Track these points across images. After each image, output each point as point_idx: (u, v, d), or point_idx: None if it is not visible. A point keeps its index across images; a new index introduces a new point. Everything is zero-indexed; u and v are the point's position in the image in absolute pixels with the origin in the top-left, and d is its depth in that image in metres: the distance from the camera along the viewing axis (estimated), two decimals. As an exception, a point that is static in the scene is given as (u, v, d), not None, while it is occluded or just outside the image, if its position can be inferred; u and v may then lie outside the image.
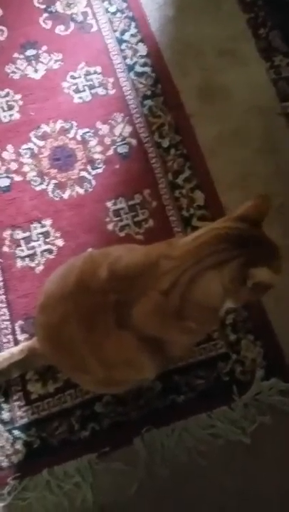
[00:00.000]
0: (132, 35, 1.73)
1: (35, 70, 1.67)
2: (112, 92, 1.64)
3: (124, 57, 1.69)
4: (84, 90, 1.64)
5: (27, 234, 1.47)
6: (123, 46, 1.71)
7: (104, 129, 1.59)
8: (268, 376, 1.32)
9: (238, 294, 0.91)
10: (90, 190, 1.53)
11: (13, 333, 1.36)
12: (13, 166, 1.55)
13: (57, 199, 1.51)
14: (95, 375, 1.04)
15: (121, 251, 1.04)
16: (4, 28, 1.74)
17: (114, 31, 1.73)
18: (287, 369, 1.34)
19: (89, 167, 1.55)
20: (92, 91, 1.64)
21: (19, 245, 1.45)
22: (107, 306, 0.94)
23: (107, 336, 0.95)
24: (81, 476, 1.24)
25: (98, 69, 1.67)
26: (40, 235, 1.47)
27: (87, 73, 1.67)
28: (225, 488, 1.25)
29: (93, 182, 1.53)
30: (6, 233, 1.47)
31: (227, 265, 0.88)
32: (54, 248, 1.45)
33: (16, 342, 1.35)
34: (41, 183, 1.52)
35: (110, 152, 1.57)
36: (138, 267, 0.96)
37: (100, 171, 1.55)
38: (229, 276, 0.88)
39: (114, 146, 1.57)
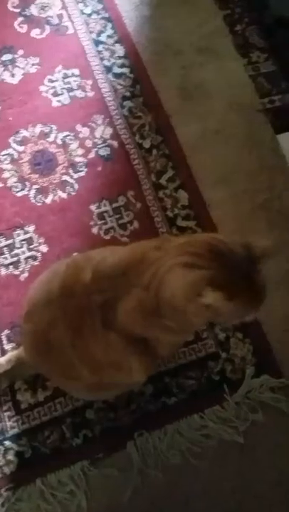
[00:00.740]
0: (109, 36, 1.72)
1: (12, 75, 1.65)
2: (90, 94, 1.63)
3: (102, 59, 1.68)
4: (62, 93, 1.62)
5: (10, 241, 1.44)
6: (100, 48, 1.70)
7: (84, 131, 1.58)
8: (258, 373, 1.32)
9: (192, 305, 0.85)
10: (73, 193, 1.51)
11: (0, 343, 1.34)
12: (-7, 172, 1.53)
13: (39, 204, 1.49)
14: (84, 381, 1.03)
15: (104, 253, 1.03)
16: (-21, 34, 1.71)
17: (91, 33, 1.72)
18: (277, 365, 1.34)
19: (71, 171, 1.53)
20: (71, 94, 1.62)
21: (2, 253, 1.43)
22: (93, 307, 0.93)
23: (94, 338, 0.94)
24: (75, 484, 1.23)
25: (76, 71, 1.66)
26: (24, 242, 1.45)
27: (65, 76, 1.65)
28: (220, 489, 1.25)
29: (76, 185, 1.52)
30: (-12, 241, 1.45)
31: (194, 270, 0.85)
32: (38, 254, 1.43)
33: (3, 352, 1.33)
34: (22, 189, 1.50)
35: (92, 155, 1.55)
36: (123, 264, 0.95)
37: (82, 174, 1.53)
38: (189, 280, 0.85)
39: (96, 149, 1.56)
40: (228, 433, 1.27)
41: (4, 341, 1.34)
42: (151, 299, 0.88)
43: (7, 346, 1.34)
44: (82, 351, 0.96)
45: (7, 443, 1.26)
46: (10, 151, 1.55)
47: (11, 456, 1.25)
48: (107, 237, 1.47)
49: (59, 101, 1.61)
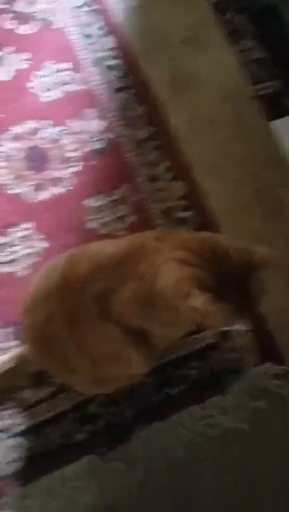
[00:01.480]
0: (98, 29, 1.70)
1: (2, 72, 1.63)
2: (81, 87, 1.61)
3: (92, 52, 1.67)
4: (53, 88, 1.61)
5: (7, 239, 1.44)
6: (89, 40, 1.68)
7: (77, 126, 1.57)
8: (260, 361, 1.32)
9: (180, 302, 0.82)
10: (69, 189, 1.50)
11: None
12: (-14, 171, 1.52)
13: (36, 201, 1.48)
14: (84, 374, 1.03)
15: (102, 245, 1.03)
16: None
17: (79, 26, 1.70)
18: (278, 352, 1.34)
19: (65, 166, 1.52)
20: (62, 88, 1.61)
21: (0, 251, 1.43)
22: (90, 298, 0.93)
23: (92, 330, 0.94)
24: (80, 479, 1.23)
25: (66, 65, 1.64)
26: (21, 239, 1.44)
27: (56, 70, 1.63)
28: (224, 478, 1.25)
29: (71, 181, 1.51)
30: (-15, 240, 1.44)
31: (187, 267, 0.83)
32: (36, 251, 1.43)
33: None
34: (17, 186, 1.50)
35: (85, 149, 1.54)
36: (121, 254, 0.94)
37: (76, 169, 1.52)
38: (179, 277, 0.83)
39: (89, 143, 1.55)
40: (231, 422, 1.27)
41: (7, 339, 1.34)
42: (146, 289, 0.88)
43: (10, 343, 1.33)
44: (81, 344, 0.96)
45: (13, 440, 1.26)
46: (2, 148, 1.54)
47: (16, 454, 1.25)
48: (104, 231, 1.46)
49: (50, 96, 1.60)
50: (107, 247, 0.99)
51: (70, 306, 0.95)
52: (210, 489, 1.25)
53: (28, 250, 1.43)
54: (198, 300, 0.78)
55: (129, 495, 1.23)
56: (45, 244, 1.43)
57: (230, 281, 0.83)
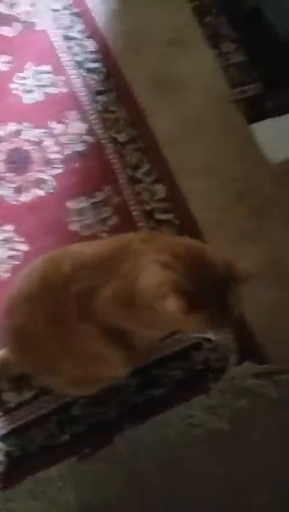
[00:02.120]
0: (79, 32, 1.71)
1: (-17, 74, 1.63)
2: (63, 90, 1.62)
3: (73, 54, 1.67)
4: (34, 90, 1.61)
5: (-12, 242, 1.43)
6: (71, 43, 1.69)
7: (59, 128, 1.57)
8: (241, 360, 1.33)
9: (157, 305, 0.83)
10: (50, 191, 1.50)
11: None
12: None
13: (16, 203, 1.48)
14: (67, 375, 1.03)
15: (84, 246, 1.03)
16: None
17: (61, 28, 1.71)
18: (259, 352, 1.35)
19: (47, 168, 1.52)
20: (43, 90, 1.61)
21: (-19, 254, 1.42)
22: (72, 297, 0.93)
23: (73, 330, 0.94)
24: (64, 481, 1.23)
25: (47, 68, 1.65)
26: (3, 242, 1.44)
27: (37, 73, 1.64)
28: (209, 477, 1.26)
29: (52, 183, 1.51)
30: None
31: (168, 271, 0.84)
32: (18, 254, 1.42)
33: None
34: (-2, 189, 1.49)
35: (67, 151, 1.55)
36: (104, 254, 0.95)
37: (58, 171, 1.52)
38: (159, 280, 0.84)
39: (71, 145, 1.55)
40: (214, 421, 1.28)
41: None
42: (128, 288, 0.88)
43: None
44: (62, 344, 0.96)
45: (-5, 444, 1.26)
46: (-16, 150, 1.53)
47: (-1, 457, 1.25)
48: (86, 234, 1.46)
49: (31, 98, 1.60)
50: (90, 247, 0.99)
51: (52, 307, 0.95)
52: (195, 488, 1.25)
53: (8, 253, 1.42)
54: (173, 305, 0.78)
55: (113, 495, 1.23)
56: (28, 247, 1.43)
57: (209, 290, 0.83)
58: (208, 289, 0.83)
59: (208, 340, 1.32)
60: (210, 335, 0.88)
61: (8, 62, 1.65)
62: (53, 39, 1.69)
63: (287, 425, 1.31)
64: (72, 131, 1.57)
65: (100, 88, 1.63)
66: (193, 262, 0.85)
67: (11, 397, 1.28)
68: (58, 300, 0.94)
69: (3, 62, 1.64)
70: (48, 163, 1.53)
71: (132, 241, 0.96)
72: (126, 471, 1.25)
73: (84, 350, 0.96)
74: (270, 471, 1.28)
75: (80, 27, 1.71)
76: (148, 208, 1.50)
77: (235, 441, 1.28)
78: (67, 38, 1.69)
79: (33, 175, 1.51)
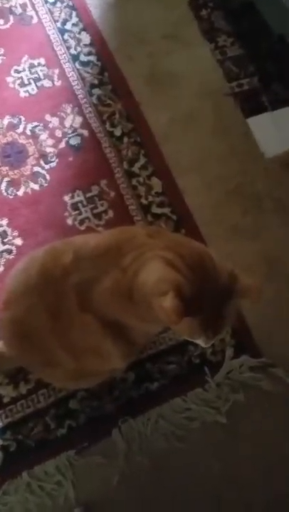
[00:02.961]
0: (74, 25, 1.69)
1: (-23, 67, 1.61)
2: (58, 83, 1.61)
3: (68, 48, 1.66)
4: (29, 83, 1.60)
5: (-17, 236, 1.43)
6: (66, 36, 1.68)
7: (53, 121, 1.56)
8: (237, 354, 1.34)
9: (154, 300, 0.82)
10: (46, 185, 1.49)
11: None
12: None
13: (11, 197, 1.47)
14: (65, 367, 1.02)
15: (87, 237, 1.02)
16: None
17: (56, 22, 1.69)
18: (256, 346, 1.36)
19: (42, 162, 1.51)
20: (38, 84, 1.60)
21: (-24, 247, 1.41)
22: (71, 288, 0.92)
23: (72, 322, 0.94)
24: (61, 474, 1.23)
25: (42, 61, 1.63)
26: (-2, 236, 1.43)
27: (32, 66, 1.62)
28: (204, 469, 1.27)
29: (48, 177, 1.50)
30: None
31: (172, 270, 0.82)
32: (13, 248, 1.42)
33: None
34: (-7, 182, 1.48)
35: (62, 145, 1.54)
36: (106, 245, 0.94)
37: (53, 164, 1.52)
38: (162, 277, 0.83)
39: (66, 139, 1.54)
40: (211, 414, 1.29)
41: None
42: (128, 281, 0.87)
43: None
44: (62, 336, 0.95)
45: (-9, 438, 1.26)
46: (-22, 144, 1.52)
47: (-4, 451, 1.25)
48: (82, 228, 1.46)
49: (26, 91, 1.59)
50: (94, 239, 0.98)
51: (52, 298, 0.94)
52: (191, 479, 1.26)
53: (6, 246, 1.41)
54: (169, 303, 0.77)
55: (110, 488, 1.23)
56: (23, 241, 1.42)
57: (208, 297, 0.82)
58: (206, 295, 0.82)
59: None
60: (199, 342, 0.87)
61: (2, 55, 1.63)
62: (47, 32, 1.68)
63: (282, 418, 1.32)
64: (67, 125, 1.56)
65: (95, 81, 1.62)
66: (198, 266, 0.84)
67: (8, 391, 1.28)
68: (57, 291, 0.93)
69: (-2, 55, 1.63)
70: (44, 156, 1.52)
71: (138, 234, 0.95)
72: (123, 464, 1.25)
73: (82, 342, 0.95)
74: (265, 465, 1.29)
75: (74, 20, 1.70)
76: (145, 202, 1.49)
77: (230, 434, 1.29)
78: (62, 31, 1.68)
79: (29, 169, 1.50)
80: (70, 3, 1.73)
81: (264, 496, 1.27)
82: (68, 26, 1.69)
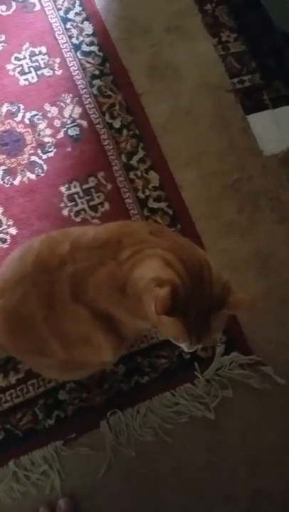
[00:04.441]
0: (77, 14, 1.68)
1: (-23, 53, 1.60)
2: (59, 72, 1.59)
3: (70, 37, 1.64)
4: (30, 72, 1.58)
5: (-22, 224, 1.42)
6: (68, 25, 1.66)
7: (53, 111, 1.55)
8: (228, 351, 1.34)
9: (146, 295, 0.83)
10: (42, 175, 1.48)
11: None
12: None
13: (7, 186, 1.46)
14: (55, 357, 1.02)
15: (85, 228, 1.02)
16: None
17: (58, 10, 1.67)
18: (246, 343, 1.36)
19: (39, 151, 1.50)
20: (38, 72, 1.59)
21: None
22: (65, 278, 0.92)
23: (64, 311, 0.93)
24: (48, 464, 1.24)
25: (43, 49, 1.62)
26: (-8, 224, 1.42)
27: (32, 54, 1.61)
28: (191, 464, 1.28)
29: (45, 166, 1.49)
30: None
31: (169, 271, 0.83)
32: (7, 237, 1.41)
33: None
34: (-11, 170, 1.47)
35: (61, 135, 1.53)
36: (105, 237, 0.93)
37: (51, 154, 1.51)
38: (158, 275, 0.82)
39: (65, 129, 1.53)
40: (199, 409, 1.30)
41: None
42: (123, 274, 0.87)
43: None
44: (54, 325, 0.95)
45: (-21, 426, 1.26)
46: (-25, 131, 1.51)
47: (-17, 440, 1.25)
48: (78, 219, 1.45)
49: (26, 79, 1.57)
50: (92, 230, 0.98)
51: (46, 287, 0.94)
52: (177, 472, 1.27)
53: (0, 235, 1.41)
54: (163, 293, 0.77)
55: (97, 479, 1.24)
56: (17, 230, 1.42)
57: (198, 304, 0.82)
58: (197, 302, 0.82)
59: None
60: (183, 346, 0.87)
61: (3, 42, 1.61)
62: (49, 20, 1.66)
63: (270, 415, 1.33)
64: (66, 115, 1.55)
65: (96, 72, 1.60)
66: (195, 272, 0.84)
67: (-3, 381, 1.28)
68: (52, 281, 0.93)
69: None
70: (41, 146, 1.51)
71: (140, 230, 0.95)
72: (110, 456, 1.26)
73: (73, 332, 0.95)
74: (250, 460, 1.30)
75: (78, 9, 1.68)
76: (142, 195, 1.49)
77: (218, 430, 1.30)
78: (65, 19, 1.66)
79: (26, 158, 1.49)
80: (74, -8, 1.71)
81: (248, 489, 1.28)
82: (71, 15, 1.67)
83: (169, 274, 0.82)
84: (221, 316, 0.85)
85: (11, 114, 1.53)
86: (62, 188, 1.47)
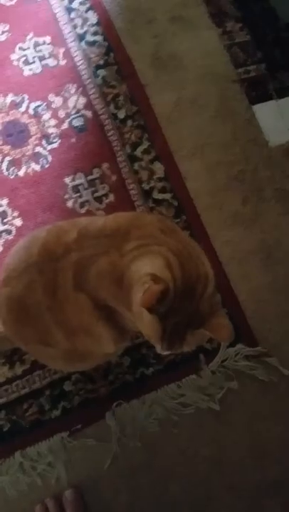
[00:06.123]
0: (81, 3, 1.66)
1: (-20, 43, 1.58)
2: (63, 62, 1.58)
3: (74, 26, 1.63)
4: (34, 62, 1.57)
5: (-18, 215, 1.41)
6: (72, 15, 1.64)
7: (57, 101, 1.54)
8: (233, 342, 1.34)
9: (136, 286, 0.82)
10: (47, 166, 1.48)
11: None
12: None
13: (12, 177, 1.45)
14: (59, 347, 1.02)
15: (93, 218, 1.01)
16: None
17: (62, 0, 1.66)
18: (251, 334, 1.36)
19: (44, 142, 1.50)
20: (43, 62, 1.57)
21: (-25, 227, 1.40)
22: (69, 266, 0.91)
23: (67, 299, 0.93)
24: (54, 455, 1.24)
25: (47, 39, 1.60)
26: (-3, 216, 1.42)
27: (37, 44, 1.59)
28: (196, 455, 1.28)
29: (49, 157, 1.48)
30: None
31: (168, 273, 0.82)
32: (12, 228, 1.41)
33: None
34: (-6, 161, 1.47)
35: (65, 125, 1.52)
36: (114, 227, 0.92)
37: (55, 145, 1.50)
38: (156, 272, 0.82)
39: (69, 119, 1.52)
40: (205, 401, 1.30)
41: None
42: (123, 265, 0.87)
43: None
44: (57, 314, 0.94)
45: (-15, 417, 1.26)
46: (-21, 121, 1.50)
47: (-11, 430, 1.25)
48: (83, 211, 1.44)
49: (31, 69, 1.56)
50: (101, 219, 0.97)
51: (51, 275, 0.93)
52: (183, 467, 1.27)
53: (5, 227, 1.40)
54: (155, 288, 0.76)
55: (102, 471, 1.24)
56: (22, 222, 1.41)
57: (180, 316, 0.81)
58: (180, 313, 0.81)
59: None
60: (157, 348, 0.86)
61: (7, 32, 1.60)
62: (53, 10, 1.64)
63: (275, 407, 1.33)
64: (70, 105, 1.54)
65: (101, 62, 1.59)
66: (190, 284, 0.83)
67: (3, 371, 1.29)
68: (56, 269, 0.92)
69: (3, 32, 1.59)
70: (46, 137, 1.50)
71: (150, 225, 0.93)
72: (115, 447, 1.26)
73: (75, 321, 0.94)
74: (255, 451, 1.30)
75: (81, -2, 1.67)
76: (146, 187, 1.48)
77: (223, 421, 1.30)
78: (69, 9, 1.64)
79: (31, 149, 1.48)
80: (78, -19, 1.69)
81: (253, 480, 1.28)
82: (75, 5, 1.66)
83: (166, 276, 0.81)
84: (198, 334, 0.83)
85: (15, 105, 1.52)
86: (67, 180, 1.47)
